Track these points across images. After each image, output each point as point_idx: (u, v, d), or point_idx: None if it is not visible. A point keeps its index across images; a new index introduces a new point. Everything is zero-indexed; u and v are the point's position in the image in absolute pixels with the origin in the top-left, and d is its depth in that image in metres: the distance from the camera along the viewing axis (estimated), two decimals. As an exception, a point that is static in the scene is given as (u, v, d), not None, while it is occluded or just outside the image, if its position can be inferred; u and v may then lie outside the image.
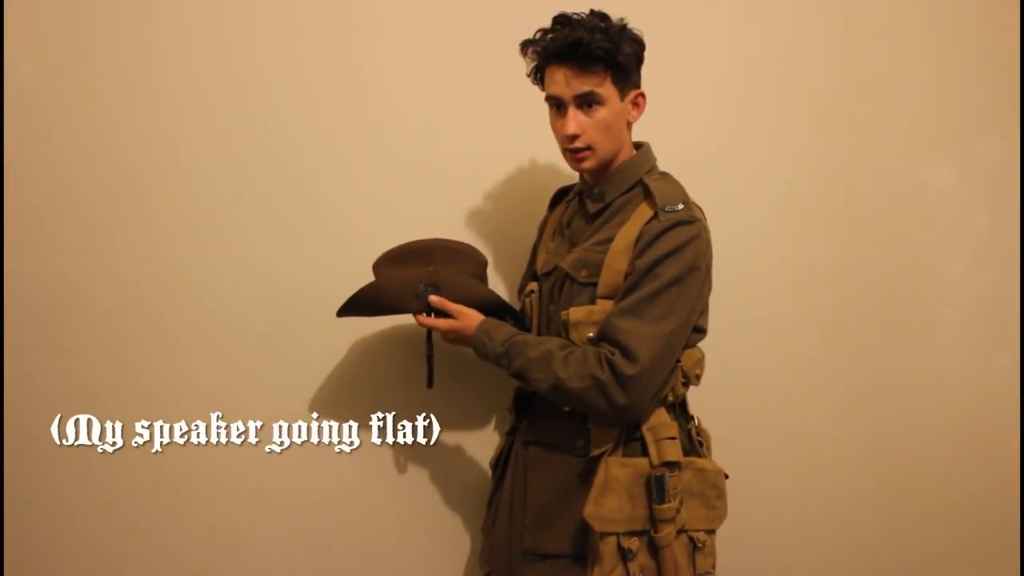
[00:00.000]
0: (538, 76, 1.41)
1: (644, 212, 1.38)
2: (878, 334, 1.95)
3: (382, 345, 1.68)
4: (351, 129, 1.65)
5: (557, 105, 1.38)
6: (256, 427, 1.63)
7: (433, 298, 1.45)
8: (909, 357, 1.97)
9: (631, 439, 1.40)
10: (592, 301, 1.38)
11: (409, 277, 1.47)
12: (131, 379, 1.58)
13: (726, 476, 1.45)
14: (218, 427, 1.61)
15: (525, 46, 1.39)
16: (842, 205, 1.90)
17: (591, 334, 1.36)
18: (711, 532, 1.43)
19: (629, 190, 1.43)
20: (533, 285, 1.54)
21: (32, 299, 1.54)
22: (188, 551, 1.62)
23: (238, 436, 1.62)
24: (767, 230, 1.87)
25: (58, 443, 1.56)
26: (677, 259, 1.32)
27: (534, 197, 1.69)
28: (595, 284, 1.38)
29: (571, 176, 1.66)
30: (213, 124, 1.59)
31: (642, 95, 1.43)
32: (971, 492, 2.01)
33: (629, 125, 1.44)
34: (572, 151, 1.39)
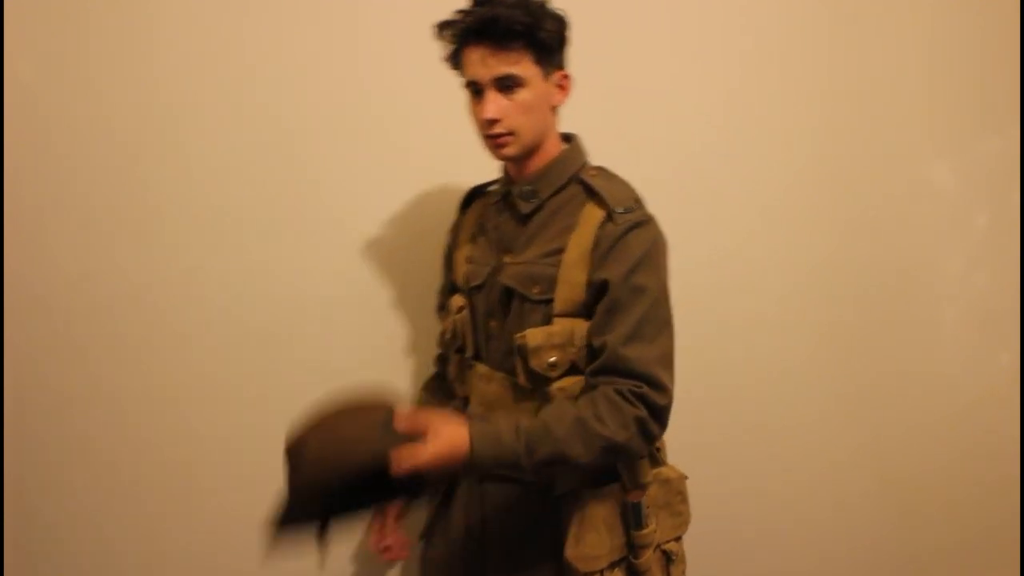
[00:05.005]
0: (456, 62, 1.30)
1: (594, 215, 1.28)
2: (878, 334, 1.95)
3: (385, 346, 1.68)
4: (353, 129, 1.65)
5: (475, 90, 1.28)
6: (259, 425, 1.63)
7: (400, 417, 1.15)
8: (909, 357, 1.97)
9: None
10: (547, 319, 1.28)
11: (363, 420, 1.13)
12: (132, 378, 1.58)
13: (685, 478, 1.40)
14: (221, 425, 1.61)
15: (440, 28, 1.28)
16: (841, 205, 1.91)
17: (553, 359, 1.26)
18: (679, 539, 1.39)
19: (564, 188, 1.33)
20: (460, 300, 1.41)
21: (32, 299, 1.54)
22: (190, 550, 1.62)
23: (240, 434, 1.62)
24: (766, 230, 1.87)
25: (59, 442, 1.56)
26: (652, 268, 1.26)
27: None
28: (549, 301, 1.28)
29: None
30: (214, 123, 1.59)
31: (567, 76, 1.33)
32: (971, 491, 2.01)
33: (554, 110, 1.34)
34: (492, 137, 1.28)
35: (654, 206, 1.77)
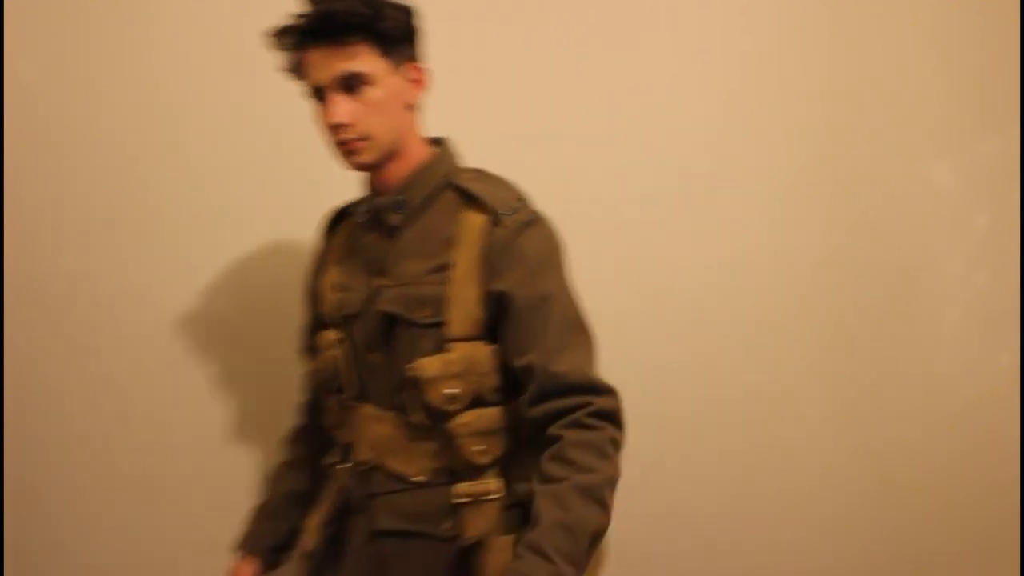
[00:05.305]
0: (297, 70, 1.19)
1: (475, 221, 1.15)
2: (877, 334, 1.95)
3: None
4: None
5: (320, 95, 1.15)
6: (260, 424, 1.63)
7: None
8: (908, 357, 1.97)
9: (511, 506, 1.17)
10: (440, 346, 1.14)
11: None
12: (132, 378, 1.58)
13: None
14: (221, 425, 1.61)
15: (277, 36, 1.17)
16: (841, 205, 1.90)
17: (454, 390, 1.13)
18: None
19: (436, 195, 1.20)
20: (333, 334, 1.25)
21: (32, 299, 1.54)
22: (190, 550, 1.62)
23: (241, 434, 1.62)
24: (765, 230, 1.86)
25: (59, 442, 1.56)
26: (554, 268, 1.16)
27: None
28: (441, 324, 1.14)
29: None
30: (214, 123, 1.59)
31: (421, 69, 1.20)
32: (971, 492, 2.01)
33: (412, 108, 1.21)
34: (343, 144, 1.15)
35: (653, 208, 1.78)
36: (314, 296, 1.34)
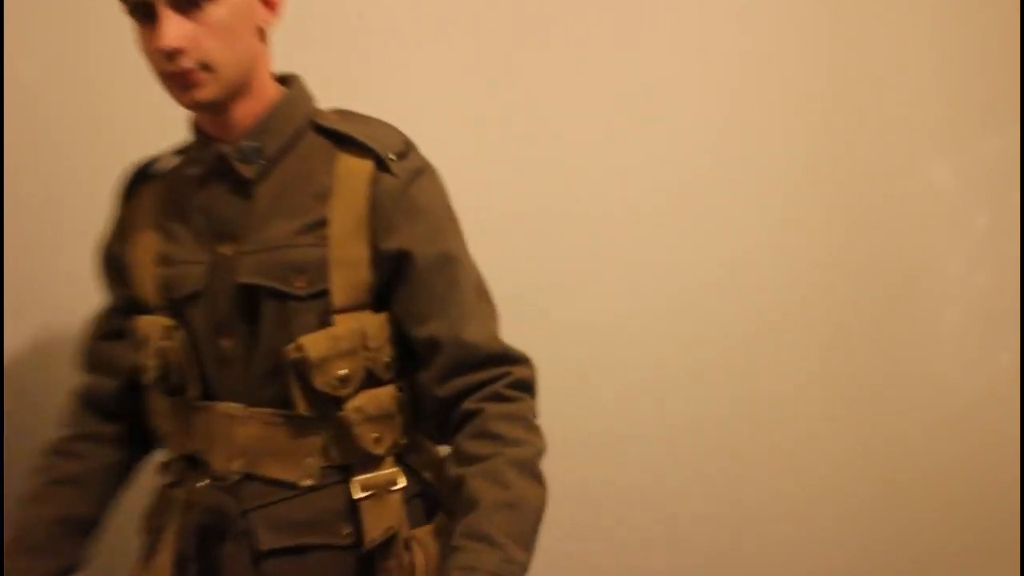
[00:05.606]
0: None
1: (357, 167, 0.97)
2: (877, 334, 1.95)
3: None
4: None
5: (144, 13, 0.93)
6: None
7: None
8: (908, 357, 1.97)
9: (413, 497, 1.03)
10: (324, 320, 0.96)
11: None
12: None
13: None
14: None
15: None
16: (841, 205, 1.91)
17: (343, 371, 0.95)
18: None
19: (297, 140, 1.01)
20: (160, 320, 1.01)
21: (32, 298, 1.54)
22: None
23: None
24: (765, 231, 1.87)
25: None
26: (454, 225, 1.03)
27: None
28: (323, 293, 0.96)
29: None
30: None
31: None
32: (971, 492, 2.01)
33: (262, 34, 1.01)
34: (177, 75, 0.92)
35: (653, 208, 1.78)
36: (120, 274, 1.10)
